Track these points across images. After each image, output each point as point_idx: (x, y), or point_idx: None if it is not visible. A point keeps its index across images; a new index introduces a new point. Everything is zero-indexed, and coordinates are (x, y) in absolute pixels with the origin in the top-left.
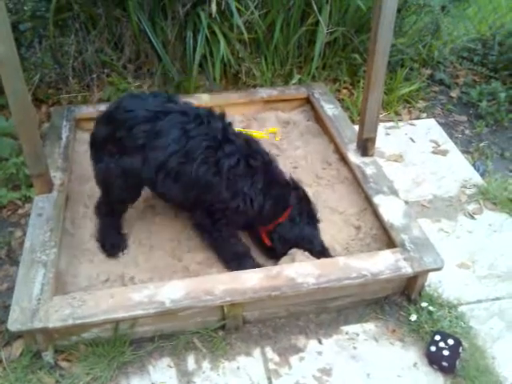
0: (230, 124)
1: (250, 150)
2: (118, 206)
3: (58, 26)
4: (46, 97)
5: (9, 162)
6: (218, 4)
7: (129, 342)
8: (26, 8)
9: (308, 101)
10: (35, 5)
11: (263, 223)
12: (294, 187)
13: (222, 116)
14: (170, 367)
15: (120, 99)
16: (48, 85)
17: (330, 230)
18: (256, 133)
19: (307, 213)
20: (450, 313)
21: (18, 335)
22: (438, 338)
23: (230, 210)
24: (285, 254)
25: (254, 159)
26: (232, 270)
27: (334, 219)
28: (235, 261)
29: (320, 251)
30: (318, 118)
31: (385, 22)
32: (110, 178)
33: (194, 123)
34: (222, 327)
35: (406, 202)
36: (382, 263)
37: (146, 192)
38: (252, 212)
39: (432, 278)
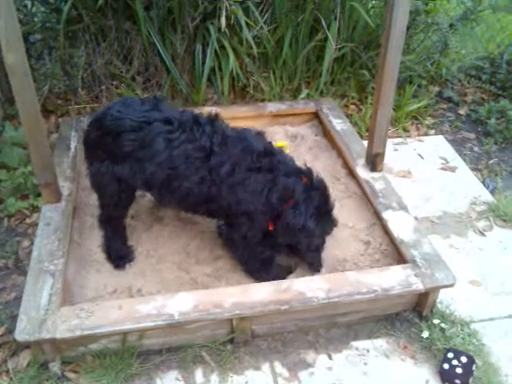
0: (222, 126)
1: (246, 151)
2: (112, 210)
3: (68, 38)
4: (55, 107)
5: (17, 171)
6: (228, 18)
7: (136, 354)
8: (36, 19)
9: (316, 115)
10: (46, 16)
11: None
12: (306, 175)
13: (212, 119)
14: (178, 380)
15: (109, 105)
16: (57, 96)
17: (338, 245)
18: None
19: (315, 204)
20: (462, 330)
21: (26, 345)
22: (450, 355)
23: (243, 217)
24: (285, 246)
25: (253, 162)
26: (262, 280)
27: (343, 234)
28: (263, 270)
29: (314, 250)
30: (326, 132)
31: (394, 39)
32: (101, 182)
33: (177, 132)
34: (231, 341)
35: (416, 218)
36: (393, 279)
37: (152, 203)
38: (263, 212)
39: (443, 294)
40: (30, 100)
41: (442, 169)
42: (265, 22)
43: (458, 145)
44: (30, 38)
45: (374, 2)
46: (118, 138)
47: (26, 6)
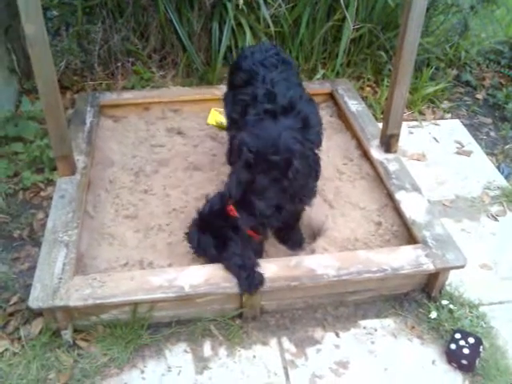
0: None
1: None
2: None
3: (85, 13)
4: (71, 83)
5: (33, 144)
6: None
7: (146, 325)
8: None
9: (332, 96)
10: None
11: None
12: None
13: None
14: (187, 352)
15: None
16: (73, 72)
17: (350, 225)
18: None
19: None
20: (470, 312)
21: (38, 314)
22: (458, 336)
23: None
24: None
25: None
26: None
27: (355, 214)
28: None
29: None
30: (341, 113)
31: (414, 18)
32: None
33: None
34: (240, 316)
35: (429, 201)
36: (403, 258)
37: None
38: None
39: (453, 277)
40: (48, 71)
41: (457, 153)
42: (283, 1)
43: (474, 129)
44: (47, 13)
45: None
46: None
47: None
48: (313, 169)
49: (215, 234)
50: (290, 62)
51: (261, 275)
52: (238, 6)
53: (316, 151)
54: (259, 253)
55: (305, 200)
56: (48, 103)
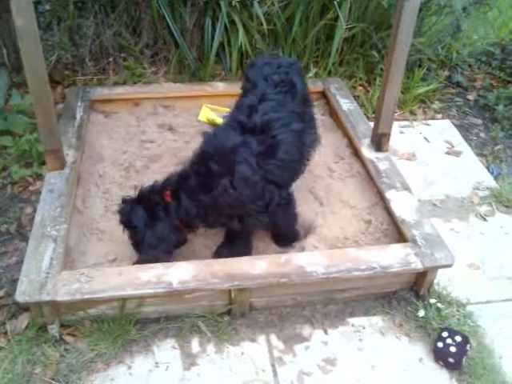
0: None
1: None
2: None
3: (77, 8)
4: (62, 78)
5: (22, 138)
6: None
7: (134, 321)
8: None
9: (323, 95)
10: None
11: None
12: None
13: None
14: (175, 348)
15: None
16: (64, 66)
17: (340, 223)
18: None
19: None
20: (458, 311)
21: (24, 309)
22: (445, 334)
23: None
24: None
25: None
26: None
27: (345, 213)
28: None
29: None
30: (332, 112)
31: (406, 19)
32: None
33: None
34: (228, 312)
35: (418, 201)
36: (392, 257)
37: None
38: None
39: (441, 276)
40: (38, 65)
41: (447, 153)
42: None
43: (464, 130)
44: (38, 7)
45: None
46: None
47: None
48: (258, 196)
49: (148, 208)
50: (295, 86)
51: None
52: (230, 3)
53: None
54: (182, 243)
55: (243, 219)
56: (37, 97)
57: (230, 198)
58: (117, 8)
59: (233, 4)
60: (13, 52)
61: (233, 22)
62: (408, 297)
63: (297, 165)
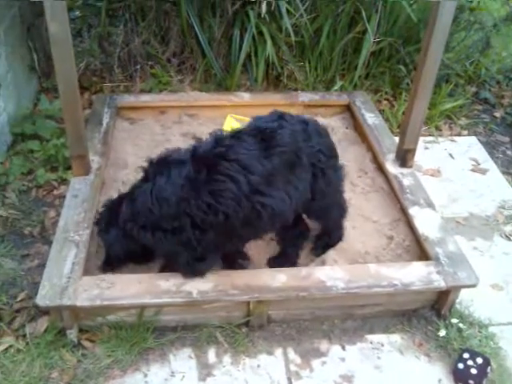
0: None
1: None
2: None
3: (108, 16)
4: (90, 84)
5: (49, 143)
6: (269, 4)
7: (152, 329)
8: None
9: (348, 108)
10: None
11: None
12: None
13: None
14: (191, 358)
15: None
16: (92, 72)
17: (361, 238)
18: None
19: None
20: (480, 332)
21: (44, 312)
22: (466, 355)
23: None
24: None
25: None
26: None
27: (367, 227)
28: None
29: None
30: (357, 125)
31: (437, 35)
32: None
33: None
34: (246, 324)
35: (442, 218)
36: (414, 274)
37: None
38: None
39: (463, 295)
40: (69, 71)
41: (473, 170)
42: (305, 11)
43: (490, 147)
44: (69, 14)
45: None
46: None
47: None
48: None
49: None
50: (277, 147)
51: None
52: (260, 14)
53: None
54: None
55: None
56: (67, 103)
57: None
58: (147, 17)
59: (262, 16)
60: (43, 57)
61: (260, 33)
62: (429, 315)
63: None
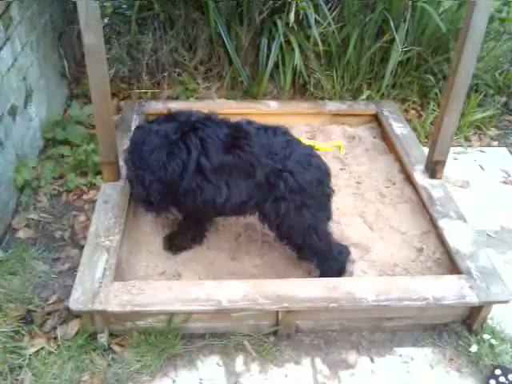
0: None
1: None
2: None
3: (137, 24)
4: (118, 91)
5: (80, 148)
6: (297, 13)
7: (180, 335)
8: (106, 4)
9: (376, 118)
10: (117, 2)
11: None
12: None
13: None
14: (219, 365)
15: None
16: (121, 79)
17: (390, 249)
18: (321, 144)
19: None
20: None
21: (76, 315)
22: (498, 372)
23: None
24: None
25: None
26: None
27: (395, 239)
28: None
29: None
30: (385, 135)
31: (470, 47)
32: None
33: None
34: (274, 333)
35: (474, 231)
36: (446, 289)
37: None
38: None
39: (495, 310)
40: (102, 80)
41: (503, 182)
42: (332, 20)
43: None
44: None
45: (446, 5)
46: None
47: None
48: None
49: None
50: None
51: None
52: (287, 23)
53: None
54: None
55: None
56: (99, 111)
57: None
58: (175, 25)
59: (290, 25)
60: (73, 64)
61: (288, 42)
62: (460, 330)
63: None
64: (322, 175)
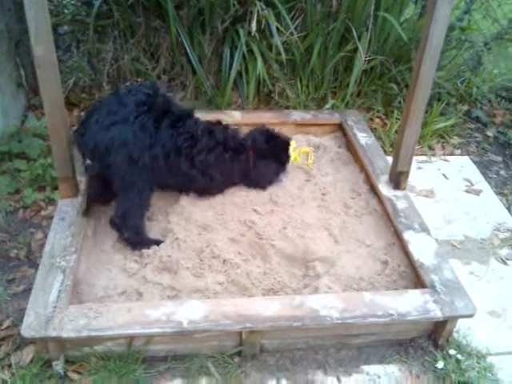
0: None
1: None
2: None
3: (96, 32)
4: (79, 101)
5: (36, 162)
6: (259, 22)
7: (141, 359)
8: (66, 11)
9: (341, 127)
10: (76, 9)
11: None
12: None
13: None
14: None
15: None
16: (81, 89)
17: (355, 263)
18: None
19: None
20: (478, 363)
21: (30, 341)
22: None
23: None
24: None
25: None
26: None
27: (361, 252)
28: None
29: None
30: (349, 145)
31: (429, 56)
32: None
33: None
34: (238, 353)
35: (436, 241)
36: (411, 304)
37: None
38: None
39: (461, 323)
40: (55, 93)
41: (466, 191)
42: (295, 29)
43: (483, 167)
44: (58, 29)
45: (407, 15)
46: None
47: None
48: None
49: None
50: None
51: None
52: (250, 32)
53: None
54: None
55: None
56: (53, 124)
57: None
58: (136, 34)
59: (252, 34)
60: (31, 73)
61: (251, 51)
62: (426, 346)
63: None
64: None
